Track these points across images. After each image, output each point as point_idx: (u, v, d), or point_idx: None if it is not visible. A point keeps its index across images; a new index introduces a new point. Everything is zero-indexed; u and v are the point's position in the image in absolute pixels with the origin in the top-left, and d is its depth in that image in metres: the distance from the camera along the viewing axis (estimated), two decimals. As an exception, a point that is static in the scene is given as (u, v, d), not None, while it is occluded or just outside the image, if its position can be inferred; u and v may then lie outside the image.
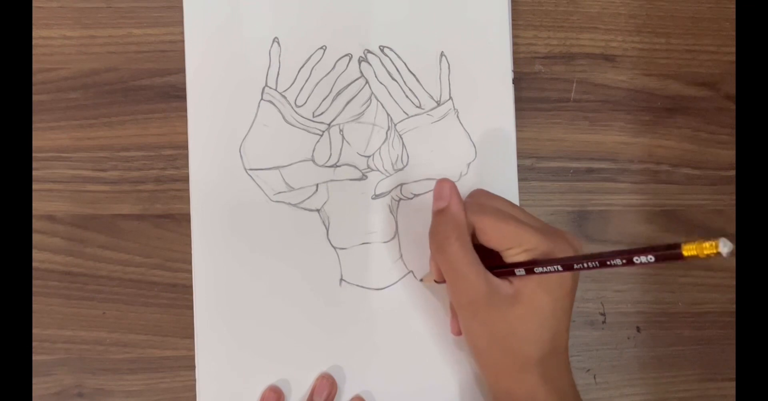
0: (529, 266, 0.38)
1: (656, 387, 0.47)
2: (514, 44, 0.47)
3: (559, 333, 0.39)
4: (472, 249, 0.39)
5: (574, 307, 0.46)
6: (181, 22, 0.45)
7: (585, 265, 0.36)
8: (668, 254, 0.32)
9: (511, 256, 0.39)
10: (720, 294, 0.48)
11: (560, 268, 0.37)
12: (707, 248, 0.30)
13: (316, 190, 0.45)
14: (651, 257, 0.32)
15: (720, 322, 0.48)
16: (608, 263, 0.35)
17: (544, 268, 0.37)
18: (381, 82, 0.46)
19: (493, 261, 0.39)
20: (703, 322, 0.48)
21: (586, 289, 0.47)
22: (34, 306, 0.44)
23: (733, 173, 0.48)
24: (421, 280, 0.45)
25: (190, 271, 0.44)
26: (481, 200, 0.41)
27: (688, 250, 0.31)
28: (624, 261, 0.34)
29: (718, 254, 0.30)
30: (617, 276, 0.47)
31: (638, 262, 0.33)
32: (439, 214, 0.40)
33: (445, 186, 0.41)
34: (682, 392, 0.47)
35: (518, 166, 0.46)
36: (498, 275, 0.39)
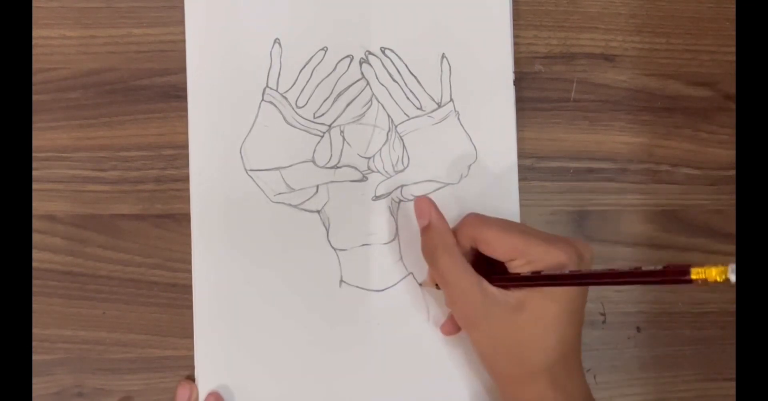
0: (535, 282, 0.38)
1: (656, 387, 0.47)
2: (514, 44, 0.47)
3: (566, 339, 0.39)
4: (462, 260, 0.40)
5: (574, 307, 0.46)
6: (181, 22, 0.45)
7: (592, 281, 0.36)
8: (677, 278, 0.32)
9: (516, 267, 0.39)
10: (720, 294, 0.48)
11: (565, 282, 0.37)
12: (715, 273, 0.31)
13: (317, 191, 0.45)
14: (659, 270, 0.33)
15: (720, 322, 0.48)
16: (617, 280, 0.35)
17: (551, 281, 0.37)
18: (382, 84, 0.46)
19: (498, 274, 0.40)
20: (703, 322, 0.48)
21: (586, 289, 0.47)
22: (34, 306, 0.44)
23: (733, 173, 0.48)
24: (421, 284, 0.45)
25: (189, 271, 0.44)
26: (484, 216, 0.42)
27: (697, 273, 0.31)
28: (632, 279, 0.34)
29: (726, 280, 0.30)
30: (617, 276, 0.47)
31: (645, 278, 0.34)
32: (424, 231, 0.42)
33: (422, 203, 0.42)
34: (682, 392, 0.47)
35: (518, 166, 0.46)
36: (502, 286, 0.39)
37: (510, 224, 0.41)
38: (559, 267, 0.38)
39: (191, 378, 0.44)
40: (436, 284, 0.42)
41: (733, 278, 0.30)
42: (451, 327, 0.44)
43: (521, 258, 0.38)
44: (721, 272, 0.31)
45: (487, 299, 0.38)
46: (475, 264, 0.41)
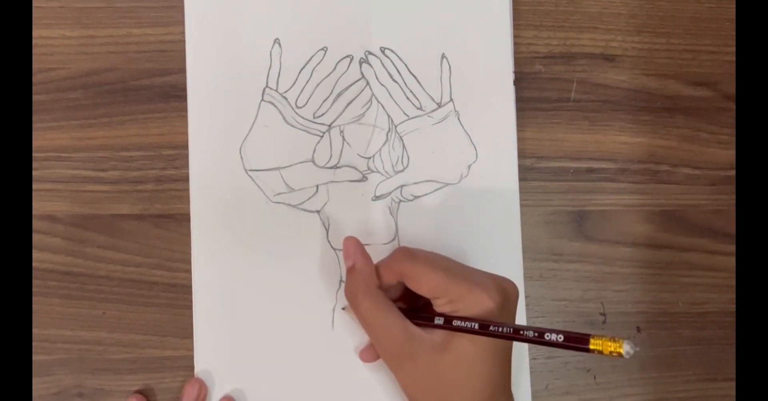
0: (447, 322, 0.38)
1: (656, 387, 0.47)
2: (515, 44, 0.47)
3: (492, 379, 0.38)
4: (385, 301, 0.39)
5: (574, 307, 0.46)
6: (181, 22, 0.45)
7: (499, 330, 0.36)
8: (576, 345, 0.34)
9: (439, 306, 0.39)
10: (720, 294, 0.48)
11: (476, 326, 0.37)
12: (611, 346, 0.32)
13: (316, 191, 0.45)
14: (560, 337, 0.34)
15: (720, 322, 0.48)
16: (521, 333, 0.36)
17: (461, 323, 0.37)
18: (382, 84, 0.46)
19: (422, 311, 0.40)
20: (703, 322, 0.48)
21: (586, 289, 0.47)
22: (34, 306, 0.44)
23: (733, 173, 0.48)
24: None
25: (189, 271, 0.44)
26: (411, 250, 0.41)
27: (595, 344, 0.33)
28: (535, 335, 0.35)
29: (620, 355, 0.32)
30: (617, 276, 0.47)
31: (548, 339, 0.35)
32: (348, 273, 0.41)
33: (349, 245, 0.42)
34: (682, 392, 0.47)
35: (518, 166, 0.46)
36: (424, 325, 0.39)
37: (437, 261, 0.40)
38: (481, 308, 0.37)
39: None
40: None
41: (629, 352, 0.32)
42: (371, 354, 0.43)
43: (443, 297, 0.38)
44: (617, 347, 0.32)
45: (410, 339, 0.38)
46: (404, 298, 0.41)
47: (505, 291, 0.39)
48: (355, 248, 0.42)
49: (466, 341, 0.38)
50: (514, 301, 0.39)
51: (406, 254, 0.40)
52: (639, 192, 0.48)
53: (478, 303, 0.38)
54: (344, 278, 0.45)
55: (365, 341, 0.44)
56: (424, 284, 0.39)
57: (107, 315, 0.44)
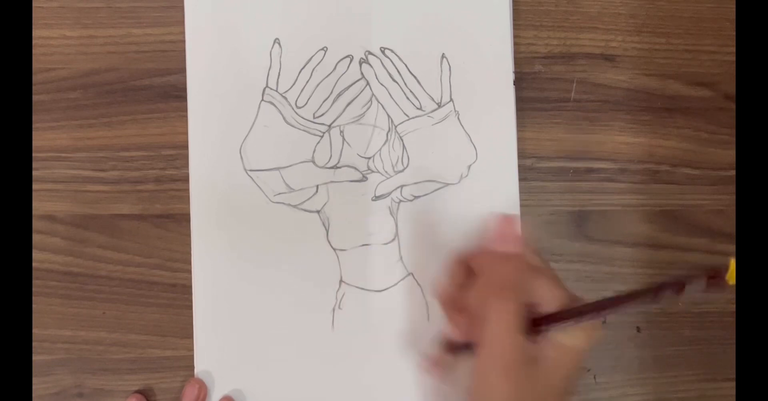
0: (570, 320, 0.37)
1: (656, 387, 0.47)
2: (514, 44, 0.47)
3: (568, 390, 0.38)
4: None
5: (574, 307, 0.46)
6: (181, 22, 0.45)
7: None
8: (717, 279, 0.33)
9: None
10: (720, 294, 0.48)
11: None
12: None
13: (316, 191, 0.45)
14: (701, 283, 0.33)
15: (720, 322, 0.48)
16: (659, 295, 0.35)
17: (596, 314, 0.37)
18: (382, 84, 0.46)
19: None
20: (703, 322, 0.48)
21: (586, 289, 0.47)
22: (34, 306, 0.44)
23: (733, 173, 0.48)
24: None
25: (189, 271, 0.44)
26: (532, 262, 0.40)
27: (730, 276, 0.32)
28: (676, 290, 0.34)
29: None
30: (617, 276, 0.47)
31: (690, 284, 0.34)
32: (508, 260, 0.39)
33: (509, 225, 0.39)
34: (682, 392, 0.47)
35: (518, 166, 0.46)
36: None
37: (556, 276, 0.40)
38: (585, 336, 0.37)
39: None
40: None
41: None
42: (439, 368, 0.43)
43: (564, 305, 0.38)
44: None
45: (524, 353, 0.37)
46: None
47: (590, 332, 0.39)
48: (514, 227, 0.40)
49: (561, 352, 0.37)
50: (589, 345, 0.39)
51: (524, 265, 0.39)
52: (639, 192, 0.48)
53: (586, 335, 0.38)
54: (344, 278, 0.45)
55: (365, 341, 0.44)
56: (548, 300, 0.38)
57: (107, 315, 0.44)
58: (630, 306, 0.36)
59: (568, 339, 0.37)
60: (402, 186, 0.46)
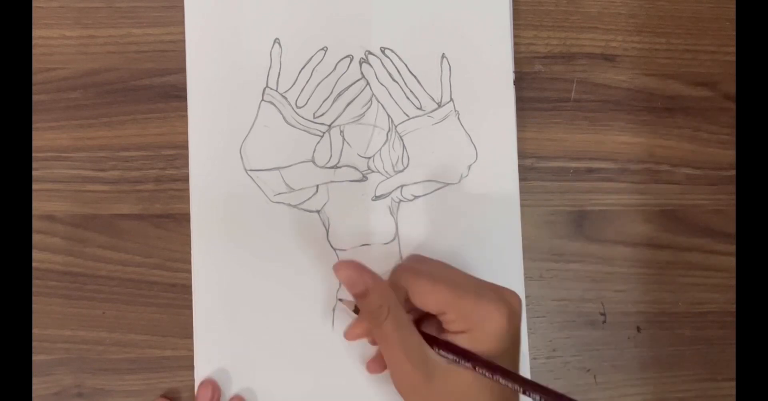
0: (469, 362, 0.37)
1: (656, 387, 0.47)
2: (514, 44, 0.47)
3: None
4: (407, 319, 0.38)
5: (574, 307, 0.47)
6: (181, 22, 0.45)
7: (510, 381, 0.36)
8: None
9: (448, 322, 0.38)
10: (720, 294, 0.48)
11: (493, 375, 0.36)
12: None
13: (316, 191, 0.45)
14: None
15: (720, 322, 0.48)
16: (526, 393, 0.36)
17: (480, 371, 0.37)
18: (382, 84, 0.46)
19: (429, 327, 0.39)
20: (703, 322, 0.48)
21: (586, 289, 0.47)
22: (34, 306, 0.44)
23: (733, 173, 0.48)
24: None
25: (189, 271, 0.44)
26: (414, 264, 0.40)
27: None
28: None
29: None
30: (617, 276, 0.47)
31: None
32: (362, 298, 0.37)
33: (349, 271, 0.37)
34: (682, 392, 0.47)
35: (518, 166, 0.46)
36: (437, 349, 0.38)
37: (441, 274, 0.39)
38: (492, 324, 0.37)
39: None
40: (355, 307, 0.41)
41: None
42: (378, 365, 0.43)
43: (451, 312, 0.37)
44: None
45: (426, 361, 0.37)
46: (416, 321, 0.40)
47: (510, 304, 0.38)
48: (358, 271, 0.37)
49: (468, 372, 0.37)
50: (519, 313, 0.39)
51: (408, 268, 0.39)
52: (639, 192, 0.48)
53: (488, 319, 0.37)
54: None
55: (364, 342, 0.44)
56: (429, 300, 0.38)
57: (107, 315, 0.44)
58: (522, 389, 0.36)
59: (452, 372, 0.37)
60: (402, 186, 0.46)
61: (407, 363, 0.37)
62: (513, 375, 0.36)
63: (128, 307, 0.45)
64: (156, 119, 0.45)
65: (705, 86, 0.48)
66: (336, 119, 0.45)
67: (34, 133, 0.45)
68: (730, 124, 0.48)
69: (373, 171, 0.46)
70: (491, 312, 0.37)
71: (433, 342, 0.38)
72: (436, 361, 0.38)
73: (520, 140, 0.47)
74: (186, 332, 0.44)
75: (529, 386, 0.36)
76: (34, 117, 0.45)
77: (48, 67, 0.45)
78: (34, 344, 0.44)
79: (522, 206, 0.46)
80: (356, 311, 0.41)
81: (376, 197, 0.45)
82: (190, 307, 0.44)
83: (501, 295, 0.38)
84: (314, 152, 0.45)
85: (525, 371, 0.45)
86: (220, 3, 0.45)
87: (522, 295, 0.45)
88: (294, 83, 0.45)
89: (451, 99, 0.46)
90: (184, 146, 0.45)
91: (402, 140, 0.46)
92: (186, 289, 0.44)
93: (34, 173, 0.44)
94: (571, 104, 0.48)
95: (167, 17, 0.46)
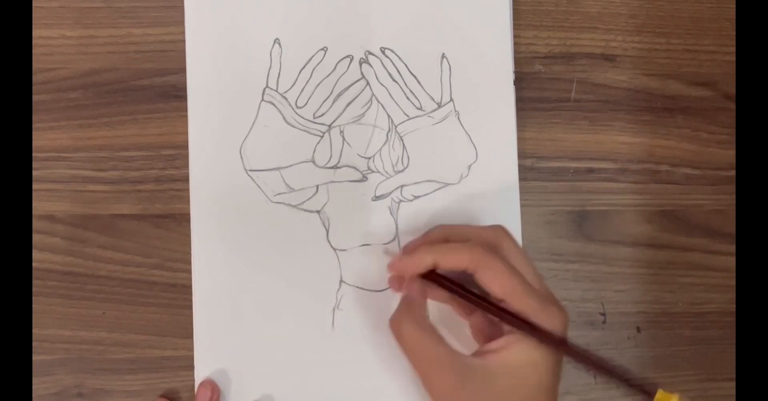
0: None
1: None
2: (514, 44, 0.47)
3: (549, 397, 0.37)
4: (432, 329, 0.38)
5: (574, 307, 0.47)
6: (181, 22, 0.45)
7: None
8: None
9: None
10: (720, 294, 0.48)
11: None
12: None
13: (316, 191, 0.45)
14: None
15: (720, 322, 0.48)
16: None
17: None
18: (382, 84, 0.46)
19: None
20: (703, 322, 0.48)
21: (586, 289, 0.47)
22: (34, 306, 0.44)
23: (733, 173, 0.48)
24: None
25: (189, 271, 0.44)
26: (497, 241, 0.39)
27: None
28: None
29: None
30: (617, 276, 0.47)
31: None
32: (401, 302, 0.40)
33: (405, 264, 0.40)
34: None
35: (518, 166, 0.46)
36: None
37: (520, 263, 0.39)
38: (553, 327, 0.37)
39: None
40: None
41: None
42: (398, 283, 0.42)
43: (516, 305, 0.37)
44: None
45: (460, 367, 0.36)
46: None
47: (565, 318, 0.38)
48: (409, 273, 0.39)
49: (523, 357, 0.36)
50: (565, 330, 0.38)
51: (487, 244, 0.38)
52: (639, 192, 0.48)
53: (551, 322, 0.37)
54: (344, 278, 0.45)
55: (365, 341, 0.44)
56: (498, 285, 0.37)
57: (107, 315, 0.44)
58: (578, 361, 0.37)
59: (522, 353, 0.37)
60: (402, 186, 0.45)
61: (440, 369, 0.37)
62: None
63: (128, 307, 0.45)
64: (156, 119, 0.45)
65: (705, 86, 0.48)
66: (336, 119, 0.45)
67: (34, 133, 0.45)
68: (730, 124, 0.48)
69: (373, 171, 0.46)
70: (554, 316, 0.37)
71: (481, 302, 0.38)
72: (470, 365, 0.37)
73: (520, 140, 0.47)
74: (186, 332, 0.44)
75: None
76: (34, 117, 0.45)
77: (48, 67, 0.45)
78: (34, 344, 0.44)
79: (522, 206, 0.46)
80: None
81: (376, 197, 0.45)
82: (190, 307, 0.44)
83: (561, 309, 0.38)
84: (314, 152, 0.45)
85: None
86: (220, 3, 0.45)
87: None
88: (294, 83, 0.45)
89: (451, 99, 0.46)
90: (184, 146, 0.45)
91: (402, 140, 0.46)
92: (186, 289, 0.44)
93: (34, 173, 0.44)
94: (571, 104, 0.48)
95: (167, 17, 0.46)
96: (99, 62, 0.45)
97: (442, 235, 0.42)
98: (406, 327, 0.38)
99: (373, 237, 0.45)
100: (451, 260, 0.38)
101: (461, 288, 0.39)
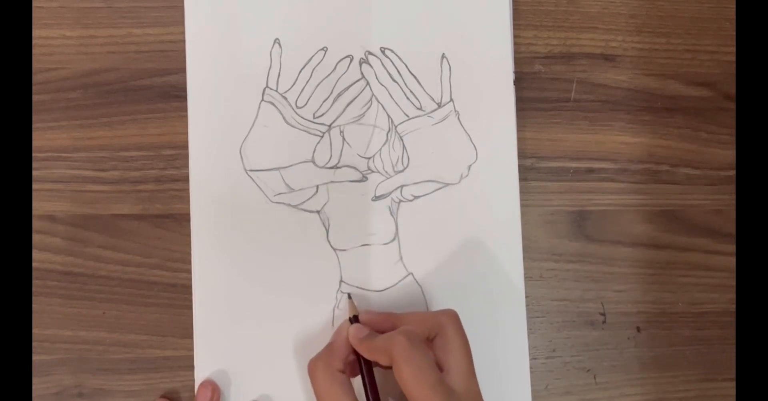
0: None
1: (656, 387, 0.47)
2: (515, 44, 0.47)
3: None
4: (345, 383, 0.39)
5: (574, 307, 0.47)
6: (181, 22, 0.45)
7: None
8: None
9: None
10: (720, 294, 0.48)
11: None
12: None
13: (316, 191, 0.45)
14: None
15: (720, 322, 0.48)
16: None
17: None
18: (382, 84, 0.46)
19: None
20: (703, 322, 0.48)
21: (586, 289, 0.47)
22: (34, 306, 0.44)
23: (733, 173, 0.48)
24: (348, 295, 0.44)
25: (189, 271, 0.44)
26: (410, 347, 0.38)
27: None
28: None
29: None
30: (617, 276, 0.47)
31: None
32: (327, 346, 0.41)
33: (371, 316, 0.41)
34: (682, 392, 0.47)
35: (518, 166, 0.46)
36: None
37: (430, 372, 0.37)
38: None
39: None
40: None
41: None
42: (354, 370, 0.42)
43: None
44: None
45: None
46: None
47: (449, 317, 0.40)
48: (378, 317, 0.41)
49: None
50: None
51: (404, 348, 0.38)
52: (639, 192, 0.48)
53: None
54: (344, 278, 0.45)
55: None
56: (408, 384, 0.37)
57: (107, 315, 0.44)
58: None
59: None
60: (402, 186, 0.46)
61: (426, 387, 0.37)
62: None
63: (128, 307, 0.45)
64: (156, 119, 0.45)
65: (705, 86, 0.48)
66: (336, 119, 0.45)
67: (34, 133, 0.45)
68: (729, 124, 0.48)
69: (373, 171, 0.46)
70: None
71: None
72: (449, 385, 0.37)
73: (520, 140, 0.47)
74: (186, 332, 0.44)
75: None
76: (34, 117, 0.45)
77: (48, 67, 0.45)
78: (34, 344, 0.44)
79: (522, 206, 0.46)
80: (352, 320, 0.41)
81: (376, 198, 0.45)
82: (190, 307, 0.44)
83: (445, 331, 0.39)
84: (314, 152, 0.45)
85: (525, 371, 0.45)
86: (220, 3, 0.45)
87: (522, 295, 0.45)
88: (294, 83, 0.45)
89: (451, 99, 0.46)
90: (184, 146, 0.45)
91: (402, 140, 0.46)
92: (186, 289, 0.44)
93: (34, 173, 0.44)
94: (571, 104, 0.48)
95: (167, 17, 0.46)
96: (99, 62, 0.45)
97: (390, 322, 0.41)
98: (320, 374, 0.39)
99: (373, 237, 0.45)
100: (372, 356, 0.40)
101: (369, 376, 0.40)
